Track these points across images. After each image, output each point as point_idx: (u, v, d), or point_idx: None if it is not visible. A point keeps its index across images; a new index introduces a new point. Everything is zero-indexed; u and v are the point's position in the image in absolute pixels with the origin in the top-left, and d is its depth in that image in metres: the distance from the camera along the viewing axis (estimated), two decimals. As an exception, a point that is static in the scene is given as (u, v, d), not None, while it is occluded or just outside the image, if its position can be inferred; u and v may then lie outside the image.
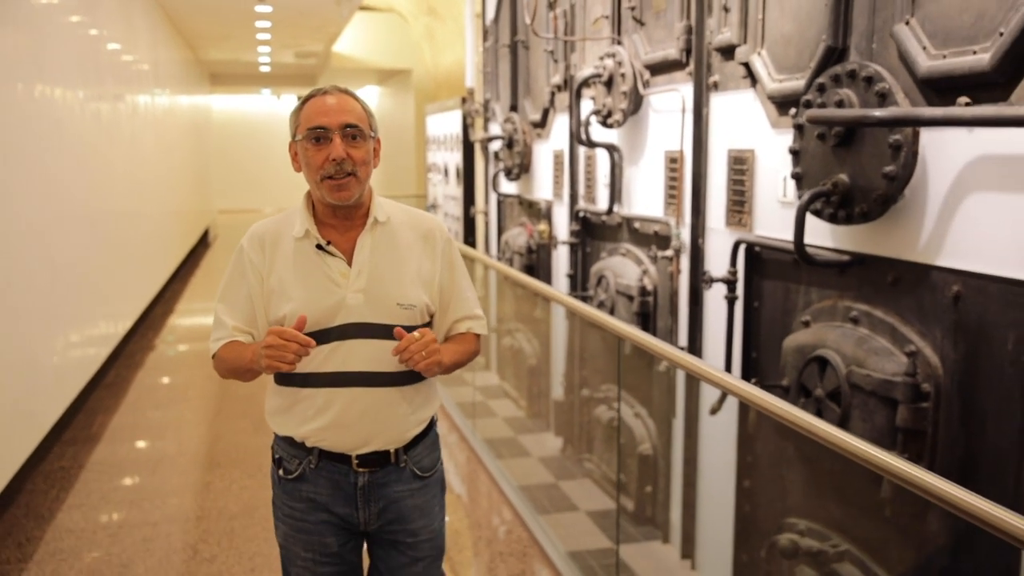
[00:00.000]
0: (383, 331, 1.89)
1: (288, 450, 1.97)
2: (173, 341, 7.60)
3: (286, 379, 1.94)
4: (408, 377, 1.93)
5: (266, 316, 1.91)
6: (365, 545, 2.07)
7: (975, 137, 2.20)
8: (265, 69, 17.21)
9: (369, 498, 1.95)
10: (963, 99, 2.20)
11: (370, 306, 1.89)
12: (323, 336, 1.87)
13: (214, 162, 18.05)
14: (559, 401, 5.12)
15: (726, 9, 3.27)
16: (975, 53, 2.13)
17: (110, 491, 4.17)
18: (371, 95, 19.34)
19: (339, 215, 1.92)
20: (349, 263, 1.91)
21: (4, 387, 3.96)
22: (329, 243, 1.90)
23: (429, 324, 1.99)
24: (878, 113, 2.32)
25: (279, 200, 19.18)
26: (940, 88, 2.28)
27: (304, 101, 1.92)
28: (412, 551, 2.00)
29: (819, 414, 2.62)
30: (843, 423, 2.56)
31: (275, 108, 22.08)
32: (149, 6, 9.43)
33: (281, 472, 1.98)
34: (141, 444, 4.98)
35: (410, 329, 1.86)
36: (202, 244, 14.17)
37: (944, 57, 2.24)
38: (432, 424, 2.07)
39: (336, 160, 1.83)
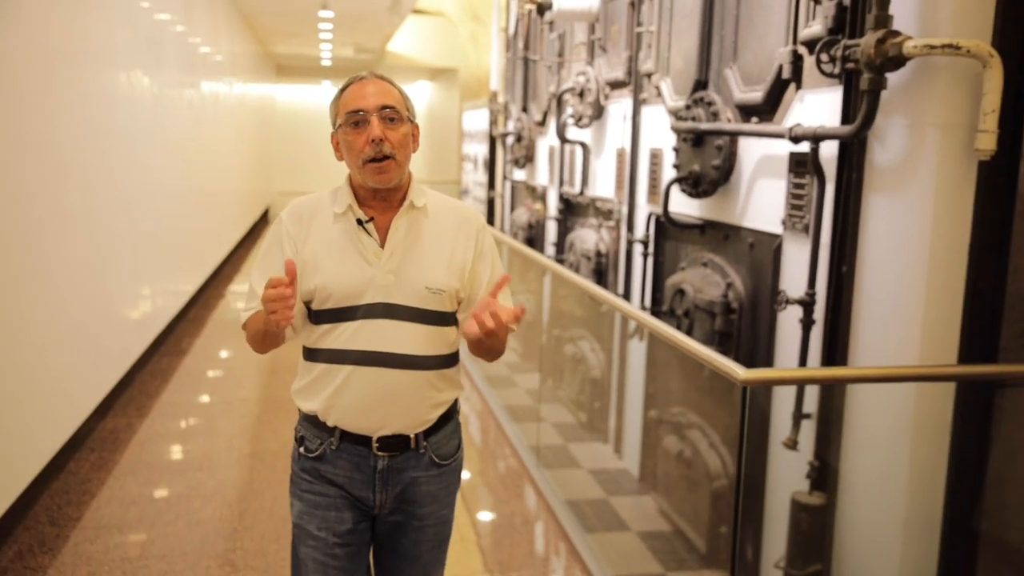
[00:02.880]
0: (410, 313, 1.91)
1: (311, 429, 1.99)
2: (233, 299, 9.10)
3: (312, 354, 1.97)
4: (434, 361, 1.96)
5: (299, 287, 1.89)
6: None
7: (760, 143, 3.48)
8: (326, 63, 18.79)
9: (388, 482, 1.97)
10: (754, 119, 3.48)
11: (399, 287, 1.90)
12: (351, 313, 1.90)
13: (276, 146, 19.68)
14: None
15: (648, 46, 4.57)
16: (756, 91, 3.42)
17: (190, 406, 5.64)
18: (422, 90, 20.81)
19: (378, 197, 1.94)
20: (383, 244, 1.93)
21: (97, 330, 5.23)
22: (370, 220, 1.92)
23: (456, 311, 2.02)
24: (702, 126, 3.62)
25: (333, 183, 20.62)
26: (746, 111, 3.56)
27: (342, 89, 1.95)
28: (416, 534, 2.03)
29: (678, 326, 3.91)
30: (689, 331, 3.85)
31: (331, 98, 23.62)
32: (229, 7, 10.94)
33: (302, 450, 2.01)
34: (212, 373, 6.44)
35: (439, 316, 1.94)
36: (262, 220, 15.74)
37: (745, 92, 3.52)
38: (454, 409, 2.08)
39: (375, 140, 1.85)
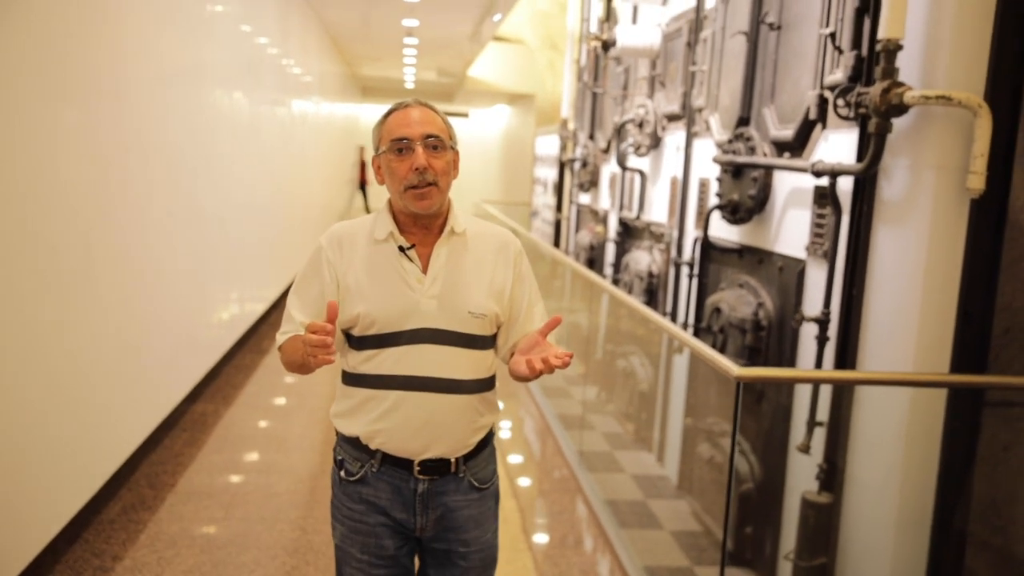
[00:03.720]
0: (453, 338, 1.94)
1: (351, 452, 2.01)
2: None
3: (355, 380, 1.99)
4: (477, 385, 1.99)
5: (340, 315, 1.92)
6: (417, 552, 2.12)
7: (790, 176, 3.83)
8: (409, 85, 19.54)
9: (428, 505, 1.99)
10: (786, 154, 3.84)
11: (442, 312, 1.93)
12: (395, 339, 1.93)
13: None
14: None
15: (701, 83, 4.94)
16: (788, 129, 3.77)
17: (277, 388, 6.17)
18: (500, 115, 21.41)
19: (419, 224, 1.97)
20: (424, 270, 1.95)
21: (193, 325, 5.93)
22: (412, 246, 1.95)
23: (496, 335, 2.05)
24: (737, 159, 3.99)
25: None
26: (779, 147, 3.91)
27: (387, 115, 1.98)
28: (463, 560, 2.04)
29: (714, 343, 4.26)
30: (723, 346, 4.20)
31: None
32: (320, 31, 11.66)
33: (343, 474, 2.03)
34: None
35: (480, 340, 1.98)
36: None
37: (779, 129, 3.88)
38: (491, 434, 2.11)
39: (419, 169, 1.88)
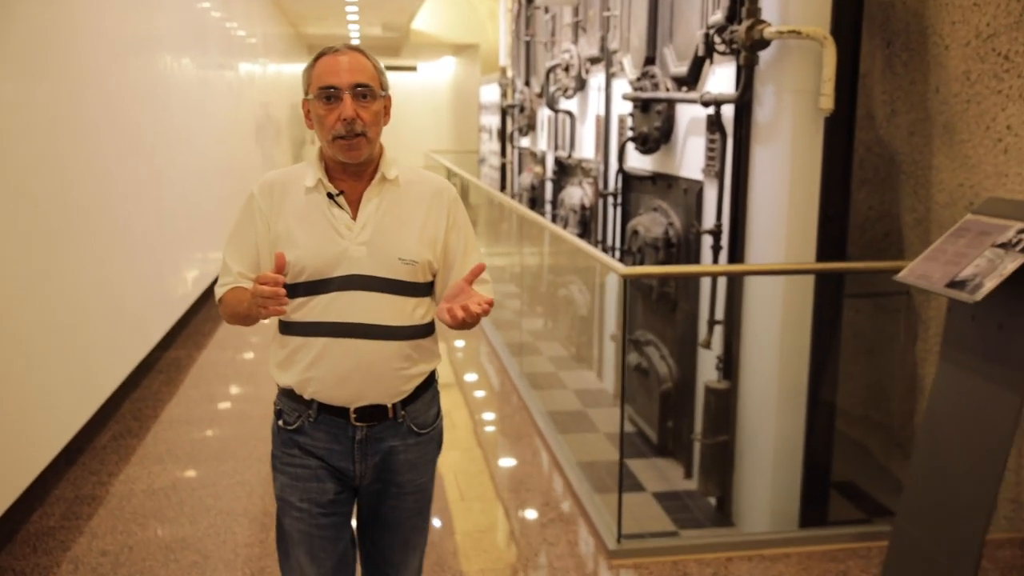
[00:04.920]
0: (383, 284, 1.92)
1: (288, 403, 2.01)
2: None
3: (287, 328, 1.98)
4: (408, 332, 1.97)
5: (271, 262, 1.89)
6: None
7: (688, 108, 4.31)
8: (355, 42, 19.67)
9: (367, 452, 2.00)
10: (684, 88, 4.31)
11: (372, 259, 1.91)
12: (324, 286, 1.91)
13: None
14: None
15: (615, 28, 5.39)
16: (683, 66, 4.24)
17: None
18: (447, 66, 21.63)
19: (349, 171, 1.95)
20: (355, 217, 1.94)
21: (163, 279, 6.33)
22: (341, 193, 1.94)
23: (432, 282, 2.03)
24: (643, 95, 4.46)
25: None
26: (678, 82, 4.38)
27: (316, 59, 1.94)
28: (395, 500, 2.07)
29: (633, 261, 4.78)
30: (640, 263, 4.71)
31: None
32: (262, -5, 11.89)
33: (281, 423, 2.03)
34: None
35: (411, 286, 1.95)
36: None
37: (677, 66, 4.35)
38: (432, 379, 2.09)
39: (347, 120, 1.86)
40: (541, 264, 7.59)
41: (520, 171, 8.93)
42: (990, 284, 2.34)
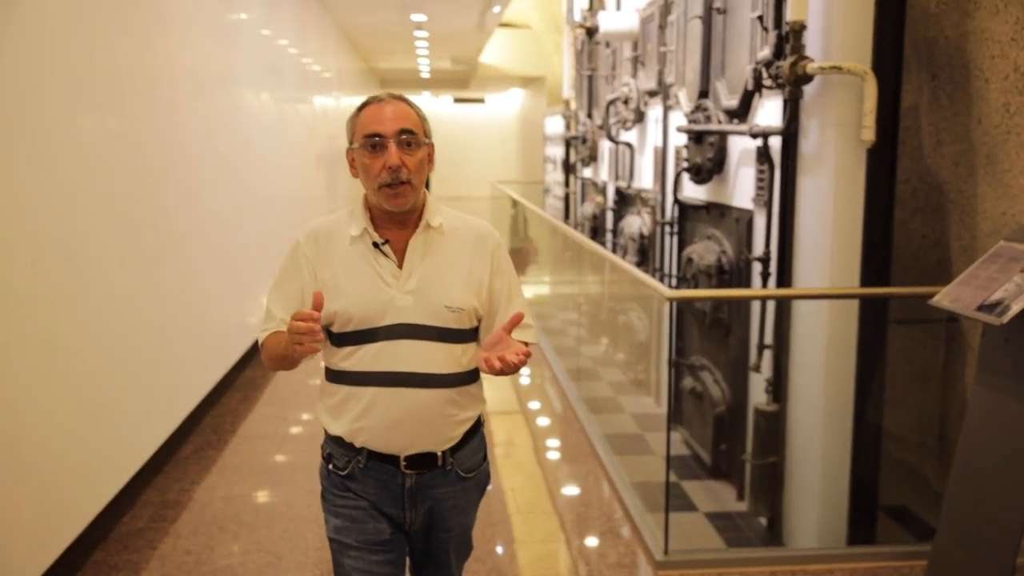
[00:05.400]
0: (431, 332, 1.93)
1: (338, 449, 2.02)
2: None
3: (335, 376, 1.99)
4: (455, 379, 1.98)
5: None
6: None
7: (739, 139, 4.47)
8: (425, 75, 20.24)
9: (417, 499, 2.01)
10: (735, 121, 4.48)
11: (419, 307, 1.92)
12: (372, 335, 1.92)
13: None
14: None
15: (670, 62, 5.58)
16: (734, 99, 4.41)
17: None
18: (516, 98, 22.06)
19: (394, 219, 1.96)
20: (401, 265, 1.94)
21: (240, 303, 6.69)
22: (386, 242, 1.95)
23: (477, 328, 2.04)
24: (695, 127, 4.64)
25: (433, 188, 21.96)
26: (730, 115, 4.55)
27: (360, 109, 1.97)
28: (444, 543, 2.13)
29: (688, 288, 4.93)
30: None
31: (434, 107, 25.14)
32: (337, 32, 12.38)
33: (331, 467, 2.04)
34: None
35: (458, 333, 1.97)
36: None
37: (728, 100, 4.52)
38: (479, 424, 2.11)
39: (392, 168, 1.88)
40: (602, 291, 7.76)
41: (583, 201, 9.14)
42: (1016, 307, 2.46)
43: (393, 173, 1.88)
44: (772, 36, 3.86)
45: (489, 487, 2.21)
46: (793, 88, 3.61)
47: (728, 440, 4.67)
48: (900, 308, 3.82)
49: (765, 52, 3.94)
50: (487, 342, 1.87)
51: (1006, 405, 2.69)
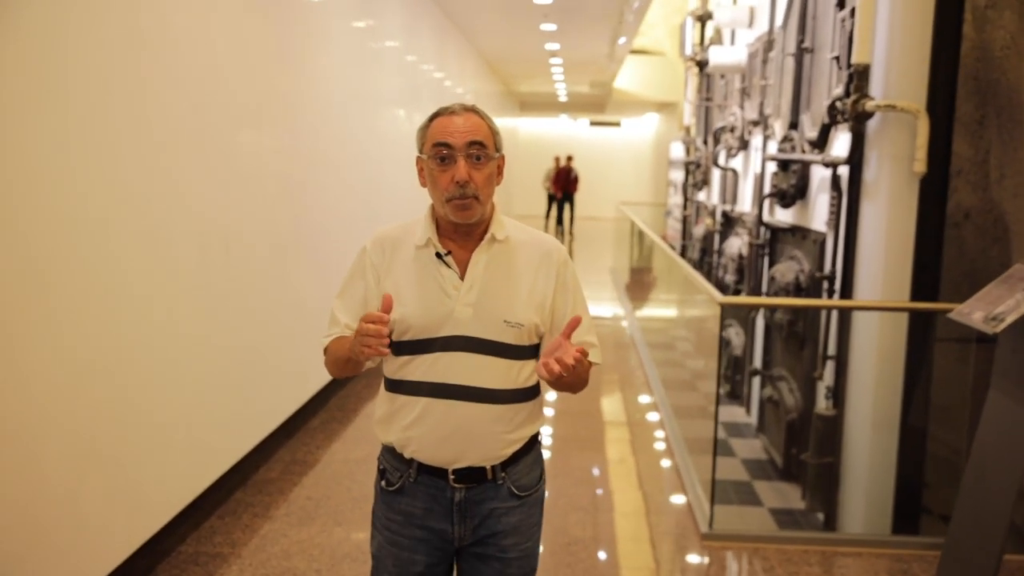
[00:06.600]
0: (488, 346, 1.91)
1: (391, 462, 2.02)
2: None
3: (392, 385, 1.98)
4: (510, 395, 1.95)
5: None
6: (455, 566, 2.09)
7: (819, 168, 4.85)
8: (562, 98, 20.98)
9: (466, 514, 1.98)
10: (815, 151, 4.87)
11: (478, 320, 1.91)
12: (428, 345, 1.91)
13: (517, 173, 22.08)
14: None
15: (770, 95, 5.99)
16: (815, 131, 4.80)
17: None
18: (650, 123, 22.49)
19: (460, 231, 1.95)
20: (463, 277, 1.93)
21: None
22: (449, 253, 1.93)
23: (538, 346, 2.00)
24: (780, 156, 5.05)
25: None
26: (813, 145, 4.94)
27: (431, 118, 1.95)
28: (500, 565, 2.02)
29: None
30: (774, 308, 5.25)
31: (570, 129, 25.80)
32: (476, 58, 13.22)
33: (384, 483, 2.03)
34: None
35: (515, 349, 1.93)
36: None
37: (811, 131, 4.91)
38: (535, 441, 2.06)
39: (460, 182, 1.86)
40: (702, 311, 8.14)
41: (696, 223, 9.54)
42: (1010, 319, 2.81)
43: (461, 188, 1.87)
44: (843, 75, 4.26)
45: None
46: (855, 123, 4.00)
47: (798, 445, 5.02)
48: (946, 326, 4.13)
49: (838, 90, 4.34)
50: (546, 349, 1.85)
51: (1013, 409, 3.02)
